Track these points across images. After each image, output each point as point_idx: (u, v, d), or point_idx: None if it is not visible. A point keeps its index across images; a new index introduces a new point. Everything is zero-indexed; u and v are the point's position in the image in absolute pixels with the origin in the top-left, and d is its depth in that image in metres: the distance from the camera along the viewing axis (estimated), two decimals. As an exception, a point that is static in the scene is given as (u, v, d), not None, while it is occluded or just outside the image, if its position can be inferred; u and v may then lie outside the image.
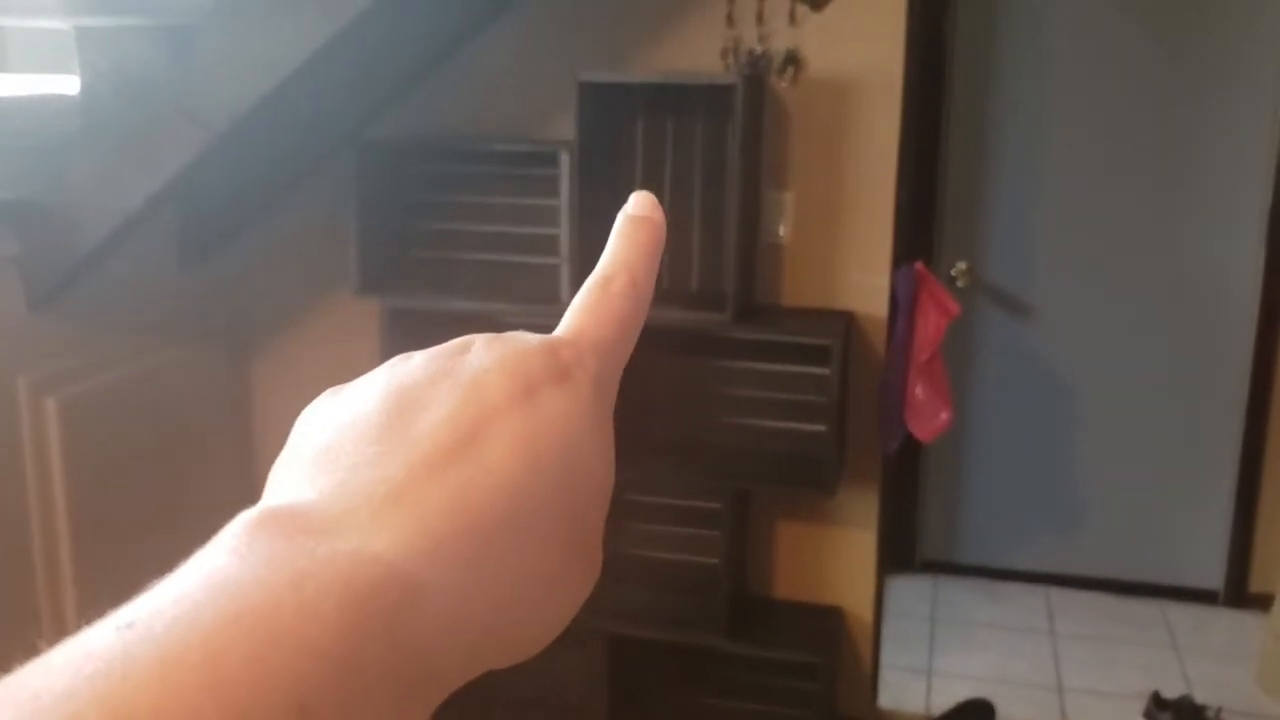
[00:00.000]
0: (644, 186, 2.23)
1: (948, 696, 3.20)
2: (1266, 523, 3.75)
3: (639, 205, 0.42)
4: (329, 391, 0.36)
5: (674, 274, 2.81)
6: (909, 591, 3.94)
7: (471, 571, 0.30)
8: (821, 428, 2.72)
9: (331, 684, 0.25)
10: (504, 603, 0.31)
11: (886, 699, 3.19)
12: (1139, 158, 3.68)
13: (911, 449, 3.93)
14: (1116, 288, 3.76)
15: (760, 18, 2.67)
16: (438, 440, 0.31)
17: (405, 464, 0.31)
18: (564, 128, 2.69)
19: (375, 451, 0.31)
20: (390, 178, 2.86)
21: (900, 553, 4.04)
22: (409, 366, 0.35)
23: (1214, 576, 3.86)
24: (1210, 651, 3.56)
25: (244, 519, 0.29)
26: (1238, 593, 3.83)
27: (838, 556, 2.92)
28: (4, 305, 2.35)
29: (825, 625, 2.87)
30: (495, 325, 2.74)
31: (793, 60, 2.67)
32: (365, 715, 0.26)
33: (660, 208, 0.42)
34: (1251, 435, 3.72)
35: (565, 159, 2.56)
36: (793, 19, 2.66)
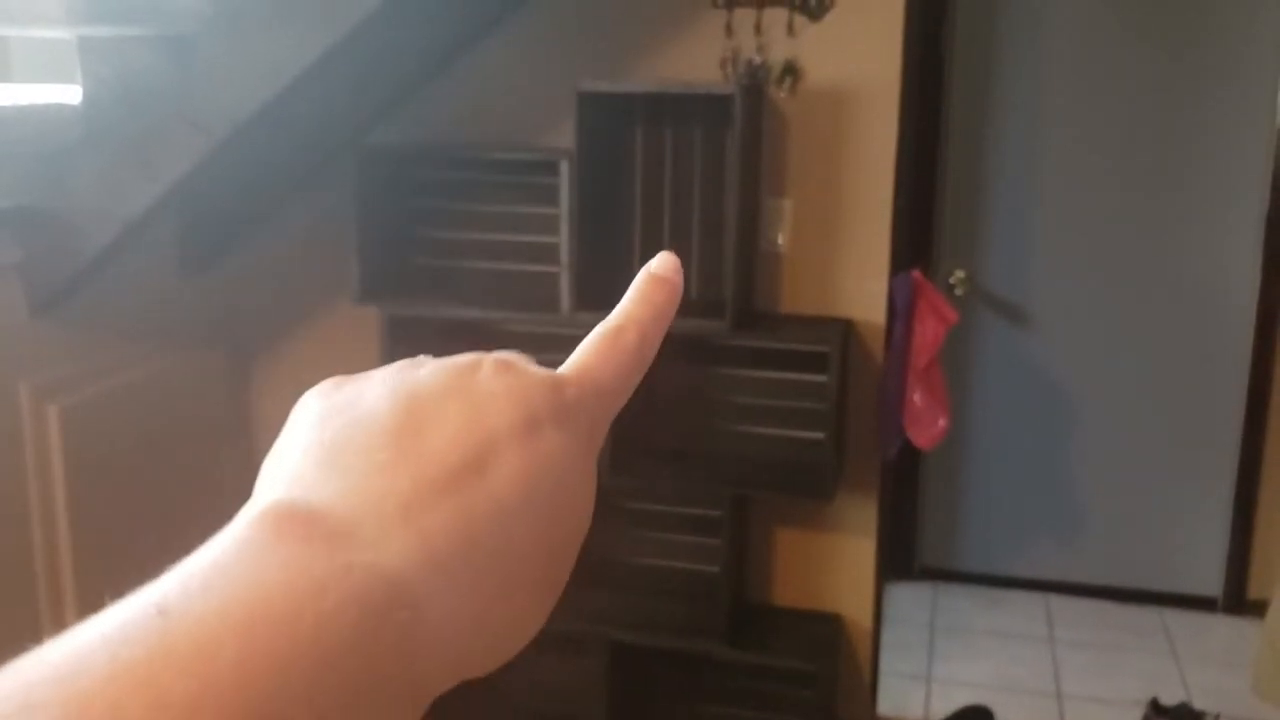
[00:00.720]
0: (643, 195, 2.25)
1: (947, 703, 3.20)
2: (1265, 529, 3.76)
3: (662, 265, 0.43)
4: (332, 381, 0.37)
5: (673, 281, 2.81)
6: (909, 599, 3.94)
7: (462, 590, 0.32)
8: (820, 435, 2.72)
9: (343, 690, 0.27)
10: (485, 621, 0.33)
11: (886, 706, 3.20)
12: (1136, 164, 3.69)
13: (911, 456, 3.93)
14: (1114, 295, 3.78)
15: (758, 28, 2.68)
16: (446, 460, 0.33)
17: (414, 478, 0.32)
18: (564, 136, 2.70)
19: (386, 459, 0.33)
20: (390, 185, 2.87)
21: (900, 560, 4.05)
22: (420, 375, 0.36)
23: (1213, 583, 3.87)
24: (1209, 658, 3.57)
25: (263, 512, 0.31)
26: (1236, 599, 3.84)
27: (837, 563, 2.93)
28: (6, 311, 2.36)
29: (824, 632, 2.88)
30: (496, 334, 2.72)
31: (791, 70, 2.68)
32: (368, 718, 0.28)
33: (681, 270, 0.43)
34: (1249, 441, 3.73)
35: (565, 167, 2.57)
36: (791, 29, 2.67)
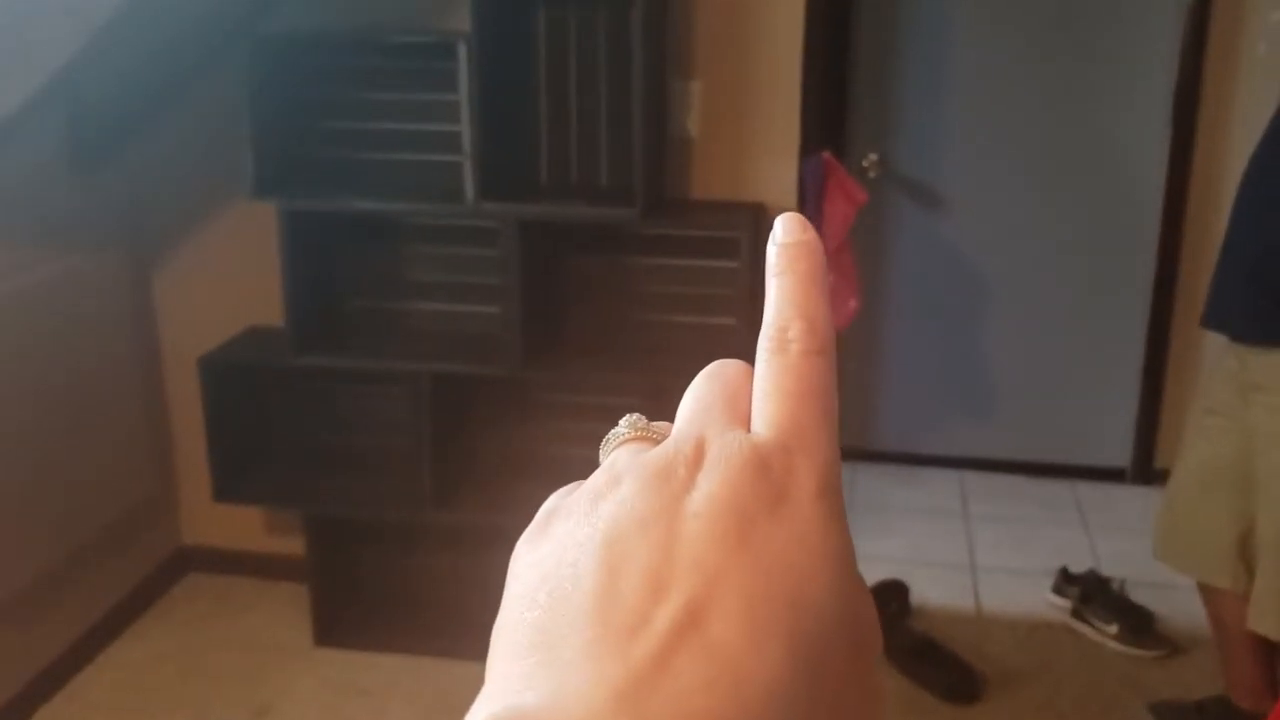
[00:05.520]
0: (547, 79, 2.18)
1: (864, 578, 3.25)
2: (1171, 401, 3.84)
3: (788, 229, 0.37)
4: (541, 518, 0.34)
5: (582, 170, 2.76)
6: (827, 480, 3.98)
7: None
8: (732, 320, 2.71)
9: None
10: None
11: (804, 585, 3.24)
12: (1046, 43, 3.68)
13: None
14: (1025, 174, 3.79)
15: (659, -100, 2.60)
16: (653, 631, 0.29)
17: (622, 661, 0.29)
18: (462, 19, 2.61)
19: (589, 639, 0.29)
20: (285, 74, 2.76)
21: (818, 442, 4.08)
22: (618, 502, 0.32)
23: (1121, 455, 3.96)
24: (1118, 527, 3.66)
25: None
26: (1144, 470, 3.93)
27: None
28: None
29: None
30: (399, 227, 2.62)
31: (694, -55, 2.60)
32: None
33: (809, 225, 0.37)
34: (1157, 316, 3.78)
35: (462, 50, 2.49)
36: (694, -98, 2.59)
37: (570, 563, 0.31)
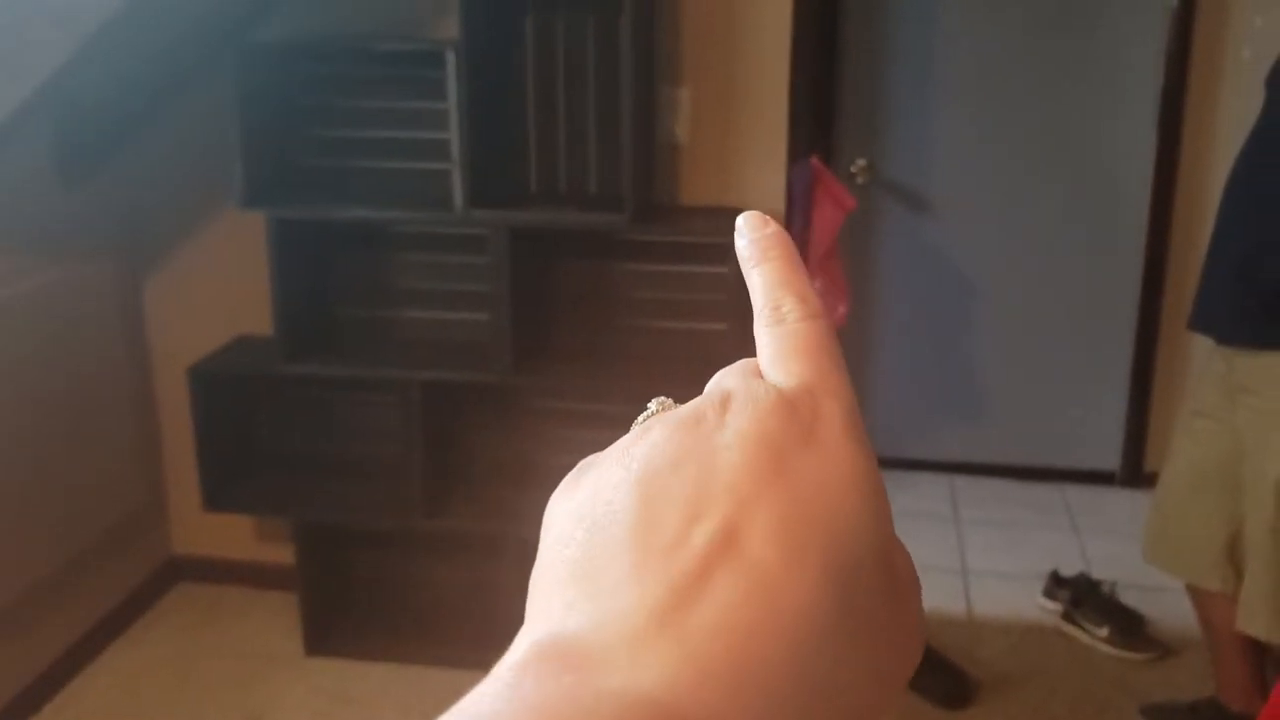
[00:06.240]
0: (536, 87, 2.18)
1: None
2: (1160, 404, 3.85)
3: (751, 226, 0.39)
4: (574, 473, 0.35)
5: (571, 176, 2.77)
6: (817, 485, 3.98)
7: (742, 693, 0.28)
8: (722, 326, 2.72)
9: None
10: (783, 713, 0.29)
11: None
12: (1033, 50, 3.69)
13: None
14: (1013, 179, 3.80)
15: (646, -92, 2.60)
16: (691, 549, 0.30)
17: (662, 581, 0.30)
18: (451, 27, 2.62)
19: (629, 565, 0.30)
20: (273, 82, 2.76)
21: (808, 447, 4.08)
22: (650, 445, 0.33)
23: (1111, 458, 3.97)
24: (1108, 530, 3.67)
25: (515, 658, 0.29)
26: (1134, 473, 3.94)
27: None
28: None
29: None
30: (389, 236, 2.62)
31: (682, -48, 2.61)
32: None
33: (774, 222, 0.40)
34: (1145, 319, 3.80)
35: (451, 58, 2.50)
36: (681, -91, 2.60)
37: (606, 501, 0.32)
